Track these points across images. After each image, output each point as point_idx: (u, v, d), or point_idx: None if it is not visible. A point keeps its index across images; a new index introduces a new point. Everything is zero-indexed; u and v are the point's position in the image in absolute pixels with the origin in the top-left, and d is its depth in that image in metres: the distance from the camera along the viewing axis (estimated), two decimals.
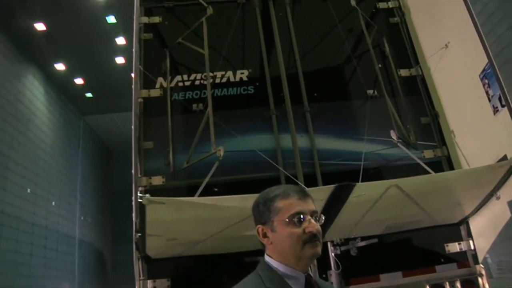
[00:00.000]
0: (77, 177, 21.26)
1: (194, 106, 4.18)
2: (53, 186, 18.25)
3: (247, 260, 3.59)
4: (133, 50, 3.96)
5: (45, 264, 16.68)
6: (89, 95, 20.46)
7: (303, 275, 1.60)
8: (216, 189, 3.68)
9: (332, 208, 3.12)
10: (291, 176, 3.75)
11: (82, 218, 21.14)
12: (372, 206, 3.21)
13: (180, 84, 4.30)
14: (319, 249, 1.59)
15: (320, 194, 2.98)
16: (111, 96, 19.83)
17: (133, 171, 2.92)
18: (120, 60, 17.87)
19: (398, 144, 3.77)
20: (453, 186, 3.39)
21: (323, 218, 1.65)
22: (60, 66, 17.91)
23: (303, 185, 3.63)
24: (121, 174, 23.86)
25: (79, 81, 19.17)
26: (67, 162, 20.12)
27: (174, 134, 4.00)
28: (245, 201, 2.86)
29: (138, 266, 3.51)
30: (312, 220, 1.59)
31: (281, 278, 1.57)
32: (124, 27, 15.58)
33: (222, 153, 3.49)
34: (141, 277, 3.52)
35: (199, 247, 3.50)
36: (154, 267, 3.61)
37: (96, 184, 24.09)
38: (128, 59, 17.30)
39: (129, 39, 16.20)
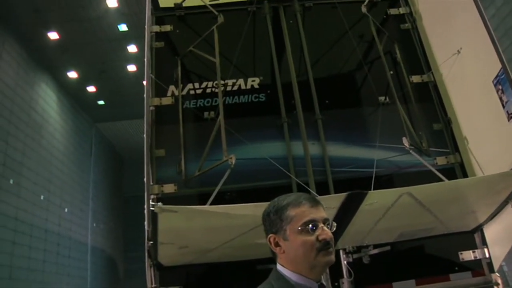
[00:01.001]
0: (90, 184, 21.44)
1: (206, 114, 4.19)
2: (66, 193, 18.42)
3: (259, 268, 3.57)
4: (145, 58, 3.99)
5: (58, 270, 16.80)
6: (101, 102, 20.69)
7: (317, 284, 1.59)
8: (228, 193, 3.68)
9: (344, 216, 3.10)
10: (302, 184, 3.74)
11: (94, 225, 21.29)
12: (385, 214, 3.18)
13: (192, 92, 4.32)
14: (333, 257, 1.58)
15: (332, 202, 2.97)
16: (123, 103, 20.01)
17: (145, 179, 2.93)
18: (132, 68, 18.07)
19: (411, 151, 3.73)
20: (466, 194, 3.35)
21: (335, 225, 1.64)
22: (72, 74, 18.14)
23: (314, 193, 3.62)
24: (133, 181, 24.01)
25: (91, 88, 19.39)
26: (79, 169, 20.31)
27: (186, 142, 4.01)
28: (258, 209, 2.83)
29: (150, 274, 3.52)
30: (325, 228, 1.58)
31: None
32: (135, 35, 15.76)
33: (233, 161, 3.48)
34: (153, 285, 3.52)
35: (211, 255, 3.49)
36: (166, 275, 3.61)
37: (108, 191, 24.27)
38: (140, 67, 17.47)
39: (140, 47, 16.38)
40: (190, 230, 3.05)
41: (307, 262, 1.56)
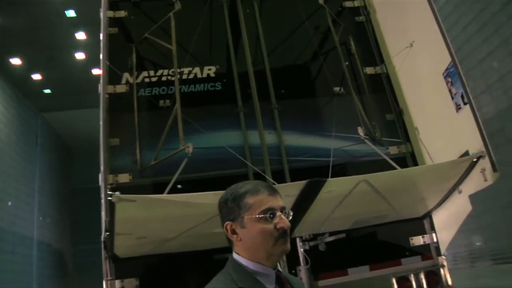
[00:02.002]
0: (36, 175, 20.54)
1: (161, 102, 4.13)
2: (9, 186, 17.54)
3: (217, 257, 3.57)
4: (101, 44, 3.86)
5: (0, 267, 16.05)
6: (47, 91, 19.78)
7: (274, 272, 1.59)
8: (179, 186, 3.62)
9: (302, 204, 3.14)
10: (261, 172, 3.76)
11: (40, 218, 20.46)
12: (342, 201, 3.26)
13: (147, 80, 4.24)
14: (288, 245, 1.58)
15: (292, 190, 3.00)
16: (70, 92, 19.25)
17: (101, 168, 2.83)
18: (80, 55, 17.36)
19: (366, 140, 3.84)
20: (419, 181, 3.49)
21: (291, 213, 1.64)
22: (16, 61, 17.21)
23: (272, 181, 3.65)
24: (82, 172, 23.21)
25: (36, 76, 18.48)
26: (24, 160, 19.39)
27: (140, 130, 3.93)
28: (217, 198, 2.83)
29: (105, 266, 3.44)
30: (283, 216, 1.59)
31: (252, 276, 1.55)
32: (84, 22, 15.15)
33: (191, 150, 3.46)
34: (109, 277, 3.44)
35: (169, 245, 3.45)
36: (122, 267, 3.54)
37: (55, 183, 23.33)
38: (89, 55, 16.85)
39: (89, 34, 15.77)
40: (148, 220, 2.99)
41: (264, 250, 1.55)
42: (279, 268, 1.63)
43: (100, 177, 4.52)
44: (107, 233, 2.94)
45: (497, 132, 9.84)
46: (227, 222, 1.63)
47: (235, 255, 1.62)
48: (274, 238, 1.55)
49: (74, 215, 24.65)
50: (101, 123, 3.04)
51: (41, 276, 19.67)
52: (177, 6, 4.13)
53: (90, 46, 15.94)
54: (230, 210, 1.63)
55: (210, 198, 2.81)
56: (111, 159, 3.79)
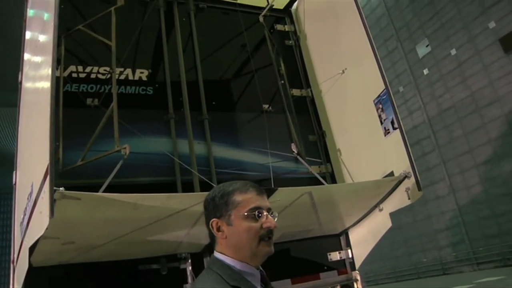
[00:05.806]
0: None
1: (89, 100, 3.87)
2: None
3: (141, 268, 3.40)
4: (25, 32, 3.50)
5: None
6: None
7: (258, 272, 1.60)
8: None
9: None
10: (199, 178, 3.69)
11: None
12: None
13: (74, 75, 3.94)
14: (272, 248, 1.60)
15: None
16: None
17: (48, 160, 2.50)
18: None
19: (298, 157, 4.00)
20: (349, 197, 3.68)
21: (277, 215, 1.67)
22: None
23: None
24: None
25: None
26: None
27: (65, 128, 3.62)
28: (169, 201, 2.73)
29: (15, 277, 3.04)
30: (269, 216, 1.61)
31: (241, 275, 1.54)
32: None
33: (128, 152, 3.28)
34: None
35: (93, 253, 3.16)
36: (34, 277, 3.13)
37: None
38: None
39: None
40: (84, 222, 2.71)
41: (249, 249, 1.55)
42: (261, 269, 1.63)
43: (14, 175, 4.08)
44: (39, 236, 2.57)
45: None
46: (213, 219, 1.61)
47: (218, 255, 1.59)
48: (259, 237, 1.55)
49: None
50: (49, 108, 2.68)
51: None
52: (120, 1, 3.93)
53: None
54: (217, 207, 1.61)
55: (161, 201, 2.70)
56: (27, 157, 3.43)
